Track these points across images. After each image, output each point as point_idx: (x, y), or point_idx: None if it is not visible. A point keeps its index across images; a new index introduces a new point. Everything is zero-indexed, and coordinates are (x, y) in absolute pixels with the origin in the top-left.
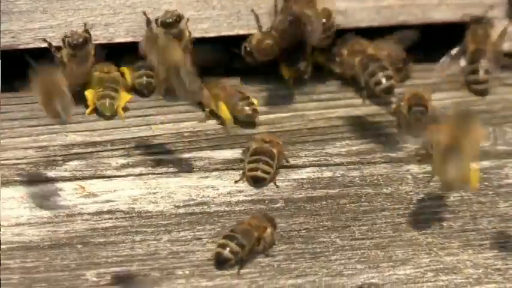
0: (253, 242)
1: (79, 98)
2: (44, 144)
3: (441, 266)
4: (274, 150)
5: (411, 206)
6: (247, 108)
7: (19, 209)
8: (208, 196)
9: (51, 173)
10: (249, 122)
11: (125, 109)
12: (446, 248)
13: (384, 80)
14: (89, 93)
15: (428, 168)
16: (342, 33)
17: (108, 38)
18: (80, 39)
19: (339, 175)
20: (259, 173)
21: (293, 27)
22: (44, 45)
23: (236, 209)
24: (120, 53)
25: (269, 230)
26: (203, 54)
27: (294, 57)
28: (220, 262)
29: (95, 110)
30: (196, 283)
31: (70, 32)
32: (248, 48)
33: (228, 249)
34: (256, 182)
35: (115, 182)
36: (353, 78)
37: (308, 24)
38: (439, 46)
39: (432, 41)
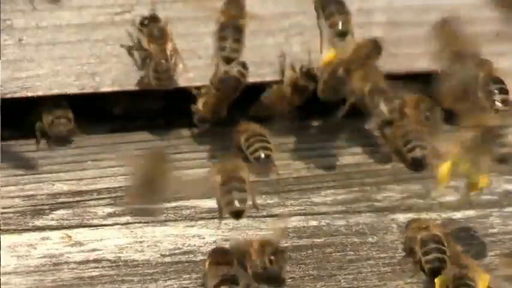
0: None
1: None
2: (31, 193)
3: None
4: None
5: (396, 255)
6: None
7: (5, 258)
8: (194, 245)
9: (38, 222)
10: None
11: None
12: None
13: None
14: None
15: (413, 216)
16: None
17: (94, 88)
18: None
19: (325, 224)
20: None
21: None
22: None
23: None
24: None
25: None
26: None
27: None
28: None
29: None
30: None
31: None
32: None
33: None
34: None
35: (101, 231)
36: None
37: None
38: None
39: None
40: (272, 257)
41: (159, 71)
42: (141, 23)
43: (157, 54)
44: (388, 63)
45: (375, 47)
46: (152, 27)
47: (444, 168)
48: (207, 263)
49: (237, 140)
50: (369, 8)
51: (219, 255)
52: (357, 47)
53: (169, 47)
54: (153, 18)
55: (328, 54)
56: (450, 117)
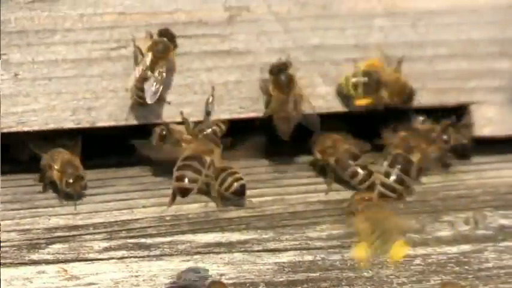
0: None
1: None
2: (27, 227)
3: None
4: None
5: None
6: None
7: None
8: (190, 279)
9: (34, 256)
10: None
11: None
12: None
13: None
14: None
15: (408, 251)
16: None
17: (90, 122)
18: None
19: (320, 259)
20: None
21: None
22: (27, 129)
23: None
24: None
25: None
26: None
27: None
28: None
29: None
30: None
31: None
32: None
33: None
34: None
35: (97, 265)
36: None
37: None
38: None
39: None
40: None
41: None
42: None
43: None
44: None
45: None
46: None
47: (360, 250)
48: None
49: None
50: (365, 43)
51: None
52: None
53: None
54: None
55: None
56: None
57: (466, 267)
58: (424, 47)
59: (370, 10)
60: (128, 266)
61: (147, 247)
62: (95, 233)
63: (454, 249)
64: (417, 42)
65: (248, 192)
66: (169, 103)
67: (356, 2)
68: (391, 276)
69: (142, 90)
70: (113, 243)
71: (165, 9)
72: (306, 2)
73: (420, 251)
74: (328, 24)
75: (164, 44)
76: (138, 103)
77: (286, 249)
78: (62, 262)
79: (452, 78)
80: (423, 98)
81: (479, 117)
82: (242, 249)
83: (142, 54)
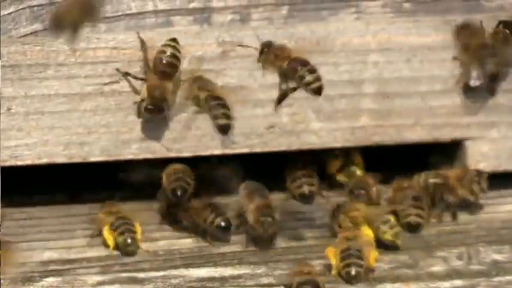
0: None
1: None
2: (21, 260)
3: None
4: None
5: None
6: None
7: None
8: None
9: None
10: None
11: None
12: None
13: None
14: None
15: (401, 286)
16: (316, 154)
17: (83, 157)
18: None
19: None
20: None
21: None
22: (20, 163)
23: None
24: None
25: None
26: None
27: None
28: None
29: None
30: None
31: None
32: None
33: None
34: None
35: None
36: None
37: None
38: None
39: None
40: None
41: None
42: None
43: None
44: (378, 134)
45: None
46: None
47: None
48: None
49: None
50: (359, 79)
51: None
52: None
53: None
54: None
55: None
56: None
57: None
58: (419, 82)
59: (364, 45)
60: None
61: (141, 281)
62: (88, 267)
63: (447, 284)
64: (411, 78)
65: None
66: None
67: (350, 38)
68: None
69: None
70: (107, 277)
71: (158, 43)
72: (300, 37)
73: (413, 286)
74: (322, 59)
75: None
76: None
77: (278, 285)
78: None
79: (447, 114)
80: (417, 134)
81: (473, 153)
82: (235, 283)
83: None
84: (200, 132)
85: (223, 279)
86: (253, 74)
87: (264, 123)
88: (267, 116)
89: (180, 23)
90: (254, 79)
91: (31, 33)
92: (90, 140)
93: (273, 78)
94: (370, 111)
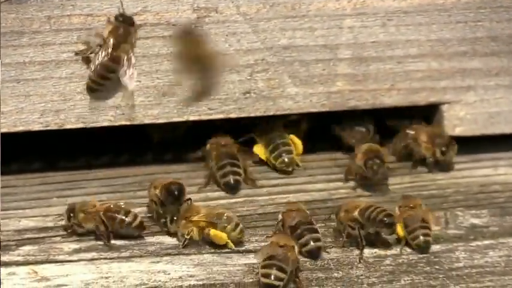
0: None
1: None
2: None
3: None
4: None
5: None
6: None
7: None
8: (159, 280)
9: (4, 258)
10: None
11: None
12: None
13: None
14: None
15: (379, 251)
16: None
17: (59, 124)
18: None
19: None
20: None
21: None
22: None
23: None
24: None
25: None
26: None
27: None
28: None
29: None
30: None
31: None
32: None
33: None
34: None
35: (67, 267)
36: None
37: None
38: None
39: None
40: None
41: None
42: None
43: None
44: (354, 98)
45: None
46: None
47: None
48: None
49: None
50: (334, 44)
51: None
52: None
53: None
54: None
55: None
56: None
57: (437, 266)
58: (394, 47)
59: (339, 10)
60: (97, 267)
61: (117, 248)
62: (65, 235)
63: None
64: (387, 42)
65: (218, 194)
66: (135, 105)
67: (325, 2)
68: (361, 277)
69: (111, 71)
70: (83, 244)
71: (132, 9)
72: (275, 2)
73: (390, 251)
74: (297, 24)
75: (124, 27)
76: (98, 85)
77: (256, 250)
78: (32, 264)
79: (423, 78)
80: (393, 98)
81: (450, 117)
82: (212, 250)
83: (104, 40)
84: (176, 98)
85: (200, 246)
86: (228, 40)
87: (240, 89)
88: (243, 81)
89: None
90: (229, 44)
91: (5, 0)
92: (66, 107)
93: (247, 43)
94: (345, 75)
